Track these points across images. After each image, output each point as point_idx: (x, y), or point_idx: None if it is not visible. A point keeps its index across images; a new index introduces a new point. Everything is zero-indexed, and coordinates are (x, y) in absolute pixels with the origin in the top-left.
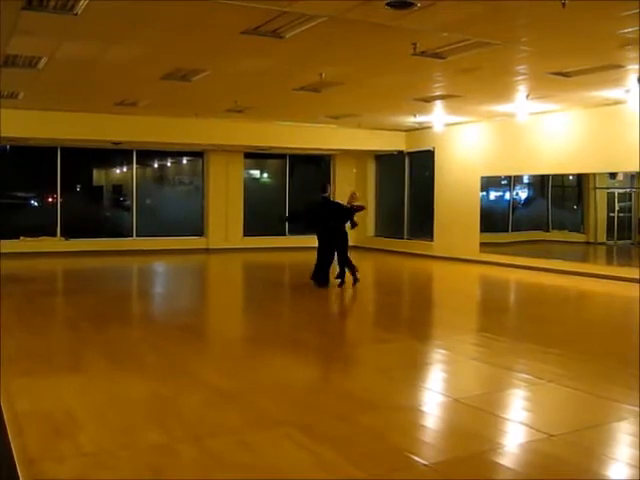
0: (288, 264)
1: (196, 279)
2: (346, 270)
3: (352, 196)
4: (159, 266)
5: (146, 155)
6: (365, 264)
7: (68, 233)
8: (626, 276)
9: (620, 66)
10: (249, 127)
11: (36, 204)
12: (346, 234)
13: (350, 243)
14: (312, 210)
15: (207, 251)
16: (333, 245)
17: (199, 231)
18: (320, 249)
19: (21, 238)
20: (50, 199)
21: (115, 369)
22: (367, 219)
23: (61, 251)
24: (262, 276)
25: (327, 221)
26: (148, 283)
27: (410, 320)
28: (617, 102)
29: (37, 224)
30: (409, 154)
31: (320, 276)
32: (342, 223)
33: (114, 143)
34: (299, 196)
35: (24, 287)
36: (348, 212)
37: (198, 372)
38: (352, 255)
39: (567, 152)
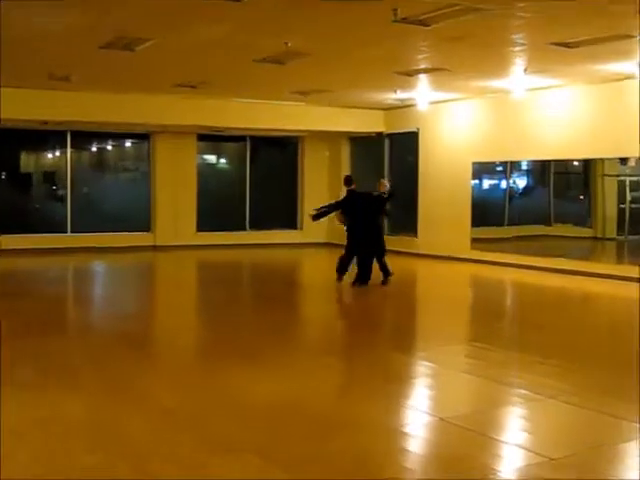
0: (249, 263)
1: (142, 281)
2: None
3: (381, 184)
4: (98, 266)
5: (83, 137)
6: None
7: None
8: (638, 276)
9: (631, 36)
10: (203, 105)
11: None
12: (381, 227)
13: (323, 240)
14: (343, 205)
15: (154, 249)
16: (366, 241)
17: (145, 226)
18: (352, 246)
19: None
20: None
21: (48, 385)
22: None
23: None
24: (219, 277)
25: (363, 216)
26: (86, 286)
27: (390, 328)
28: (627, 77)
29: None
30: (389, 136)
31: (342, 270)
32: (378, 215)
33: (43, 123)
34: (262, 185)
35: None
36: (382, 202)
37: (143, 389)
38: (320, 254)
39: (571, 134)
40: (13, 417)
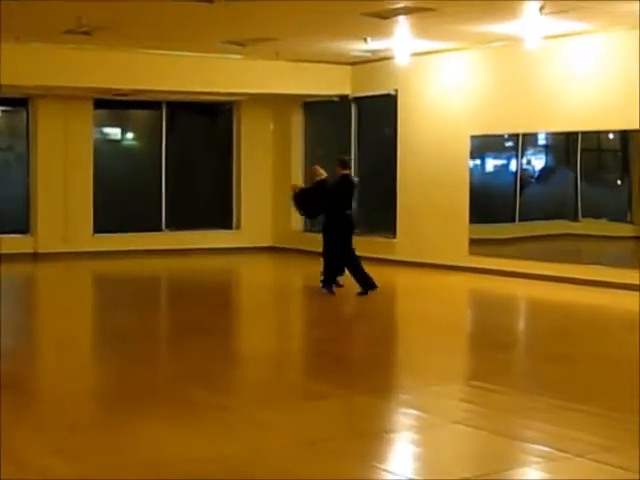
0: (166, 277)
1: (17, 304)
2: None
3: (315, 171)
4: None
5: None
6: (288, 275)
7: None
8: None
9: None
10: (101, 58)
11: None
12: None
13: (267, 243)
14: (330, 192)
15: (35, 257)
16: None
17: (21, 226)
18: (334, 246)
19: None
20: None
21: None
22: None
23: None
24: (124, 298)
25: (347, 208)
26: None
27: (360, 363)
28: None
29: None
30: (357, 101)
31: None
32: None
33: None
34: (184, 168)
35: None
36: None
37: (21, 450)
38: (262, 262)
39: (606, 98)
40: None
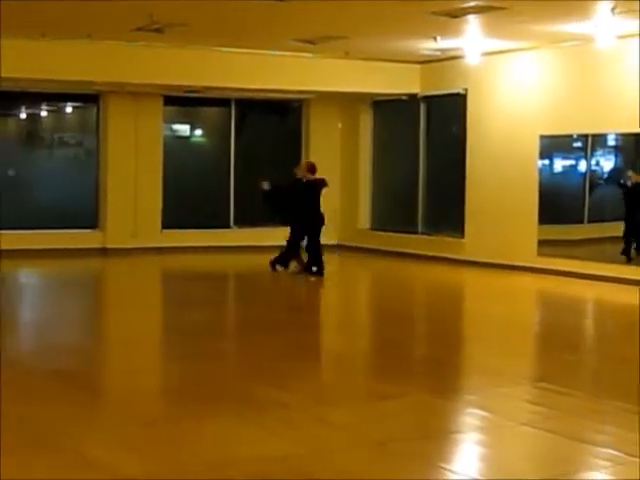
0: (234, 273)
1: (85, 299)
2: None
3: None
4: (26, 277)
5: (7, 99)
6: (354, 273)
7: None
8: None
9: None
10: (172, 55)
11: None
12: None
13: (333, 241)
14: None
15: (104, 252)
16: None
17: (91, 221)
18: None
19: None
20: None
21: None
22: (358, 203)
23: None
24: (192, 294)
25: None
26: (7, 304)
27: (427, 364)
28: None
29: None
30: (426, 100)
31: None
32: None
33: None
34: (252, 166)
35: None
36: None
37: (85, 447)
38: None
39: None
40: None
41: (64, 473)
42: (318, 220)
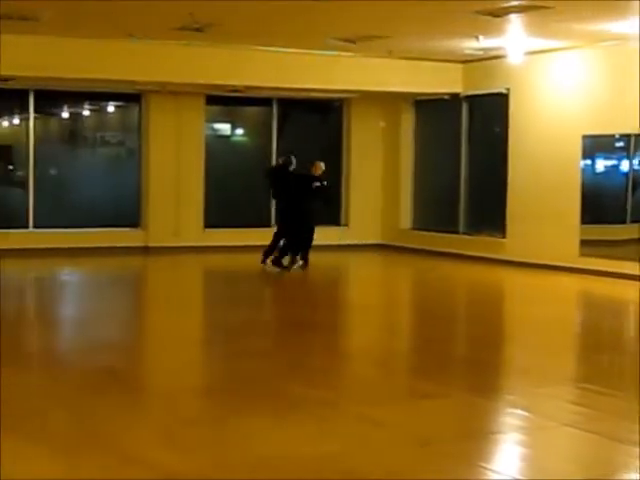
0: (274, 273)
1: (128, 297)
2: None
3: (316, 166)
4: (69, 275)
5: (50, 98)
6: (396, 272)
7: None
8: None
9: None
10: (214, 55)
11: None
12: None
13: (375, 240)
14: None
15: (146, 251)
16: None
17: (133, 220)
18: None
19: None
20: None
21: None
22: (400, 202)
23: None
24: (235, 293)
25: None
26: (52, 302)
27: (468, 364)
28: None
29: None
30: (468, 99)
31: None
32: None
33: (1, 80)
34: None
35: None
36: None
37: (131, 445)
38: (371, 260)
39: None
40: None
41: (111, 472)
42: (302, 215)
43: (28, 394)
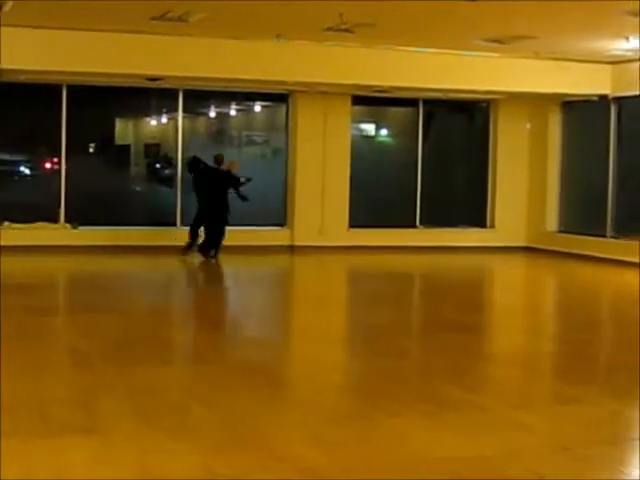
0: (420, 274)
1: (274, 294)
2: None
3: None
4: (215, 275)
5: (198, 98)
6: (540, 274)
7: (76, 218)
8: None
9: None
10: (361, 56)
11: (28, 172)
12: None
13: (521, 243)
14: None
15: (291, 250)
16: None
17: (279, 219)
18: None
19: (5, 224)
20: (49, 165)
21: (145, 431)
22: (546, 205)
23: (66, 245)
24: (377, 292)
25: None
26: (199, 298)
27: (613, 369)
28: None
29: (30, 203)
30: (617, 101)
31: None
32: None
33: (150, 79)
34: (439, 166)
35: (15, 301)
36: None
37: (278, 443)
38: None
39: None
40: (95, 470)
41: (258, 470)
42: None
43: (174, 391)
